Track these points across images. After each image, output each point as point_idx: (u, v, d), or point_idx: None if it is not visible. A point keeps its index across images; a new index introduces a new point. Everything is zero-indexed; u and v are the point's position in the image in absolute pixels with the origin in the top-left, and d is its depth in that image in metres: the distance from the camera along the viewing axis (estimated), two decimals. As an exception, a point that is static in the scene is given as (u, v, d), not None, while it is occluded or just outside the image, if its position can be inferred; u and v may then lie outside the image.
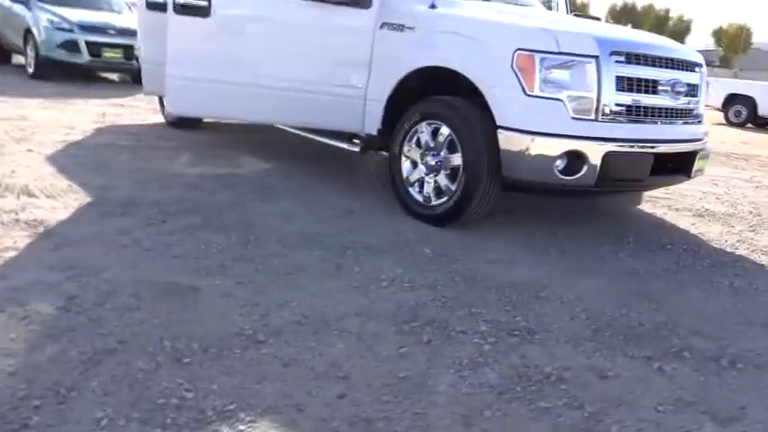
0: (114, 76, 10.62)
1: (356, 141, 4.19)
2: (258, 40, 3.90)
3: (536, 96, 3.27)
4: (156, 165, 4.55)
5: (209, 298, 2.48)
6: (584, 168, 3.28)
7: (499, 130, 3.34)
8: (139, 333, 2.15)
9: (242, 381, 1.93)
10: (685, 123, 3.73)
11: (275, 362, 2.06)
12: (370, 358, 2.13)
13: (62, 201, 3.53)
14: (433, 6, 3.79)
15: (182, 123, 6.13)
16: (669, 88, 3.53)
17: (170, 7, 3.68)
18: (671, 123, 3.61)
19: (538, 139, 3.27)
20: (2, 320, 2.15)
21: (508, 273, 3.06)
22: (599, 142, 3.28)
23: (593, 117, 3.29)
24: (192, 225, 3.32)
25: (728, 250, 3.81)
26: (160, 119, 6.69)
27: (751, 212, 4.91)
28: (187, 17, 3.73)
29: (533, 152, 3.28)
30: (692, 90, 3.75)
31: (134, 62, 9.18)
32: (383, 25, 3.94)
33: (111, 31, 9.16)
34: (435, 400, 1.92)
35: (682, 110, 3.68)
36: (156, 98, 6.57)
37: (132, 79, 9.70)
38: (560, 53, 3.25)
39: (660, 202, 4.90)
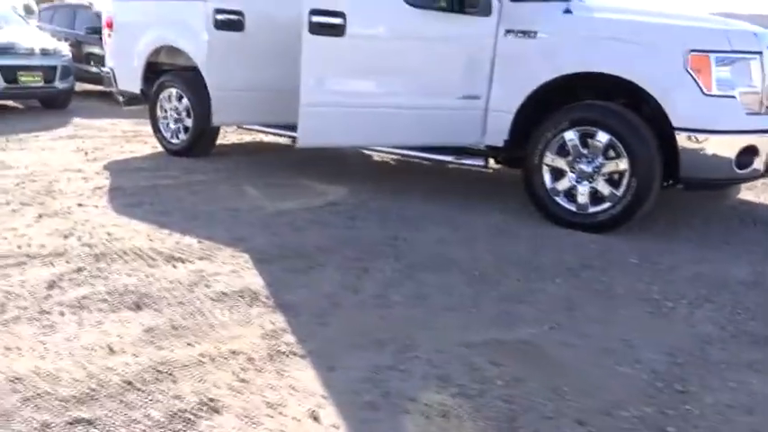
0: (12, 103, 9.12)
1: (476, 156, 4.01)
2: (388, 58, 3.55)
3: (713, 95, 3.33)
4: (242, 204, 3.99)
5: (560, 353, 2.25)
6: (756, 160, 3.42)
7: (677, 132, 3.37)
8: (575, 408, 1.90)
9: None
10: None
11: (739, 410, 1.93)
12: (797, 386, 2.08)
13: (222, 261, 3.00)
14: (568, 11, 3.68)
15: (185, 152, 5.49)
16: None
17: (305, 28, 3.20)
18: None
19: (717, 137, 3.35)
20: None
21: (712, 269, 3.12)
22: (765, 134, 3.44)
23: (759, 110, 3.43)
24: (398, 269, 2.99)
25: None
26: (143, 148, 5.93)
27: None
28: (323, 37, 3.29)
29: (713, 151, 3.35)
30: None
31: (56, 85, 7.93)
32: (507, 32, 3.79)
33: (24, 51, 7.73)
34: None
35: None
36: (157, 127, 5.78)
37: (42, 104, 8.35)
38: (732, 51, 3.34)
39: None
